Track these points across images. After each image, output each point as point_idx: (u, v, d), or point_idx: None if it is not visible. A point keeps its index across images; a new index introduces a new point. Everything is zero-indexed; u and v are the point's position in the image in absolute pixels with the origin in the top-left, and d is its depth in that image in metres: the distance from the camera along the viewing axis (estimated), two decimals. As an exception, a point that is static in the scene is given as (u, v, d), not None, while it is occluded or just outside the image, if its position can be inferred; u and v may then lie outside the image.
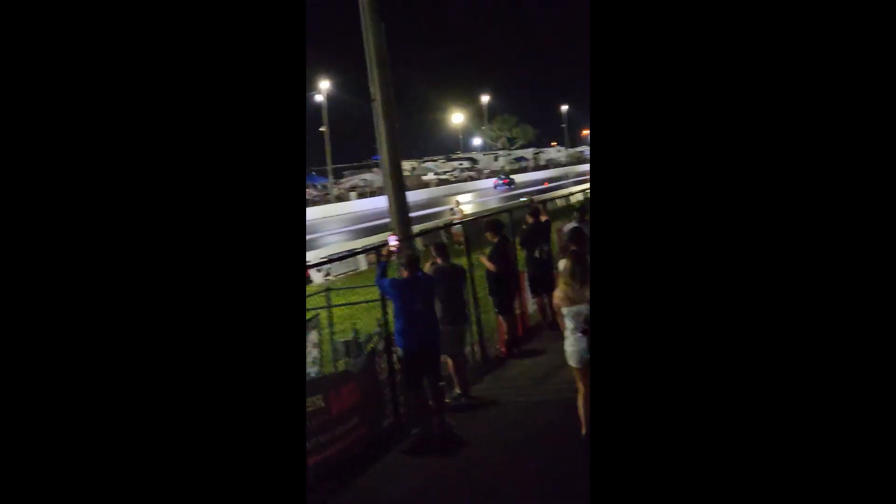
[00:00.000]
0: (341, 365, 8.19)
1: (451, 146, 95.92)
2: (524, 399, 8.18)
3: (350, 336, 8.68)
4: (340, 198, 55.63)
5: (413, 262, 7.35)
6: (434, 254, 8.45)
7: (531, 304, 11.38)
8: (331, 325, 9.68)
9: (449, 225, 15.88)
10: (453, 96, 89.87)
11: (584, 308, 6.21)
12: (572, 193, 19.09)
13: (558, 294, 6.46)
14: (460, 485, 6.28)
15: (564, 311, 6.36)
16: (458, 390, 8.24)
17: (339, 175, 65.89)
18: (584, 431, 6.40)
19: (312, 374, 7.80)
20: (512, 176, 67.44)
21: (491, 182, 67.56)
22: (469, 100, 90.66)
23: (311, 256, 17.17)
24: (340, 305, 10.04)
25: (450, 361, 8.15)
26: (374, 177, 58.15)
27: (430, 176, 72.33)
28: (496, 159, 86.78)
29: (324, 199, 54.46)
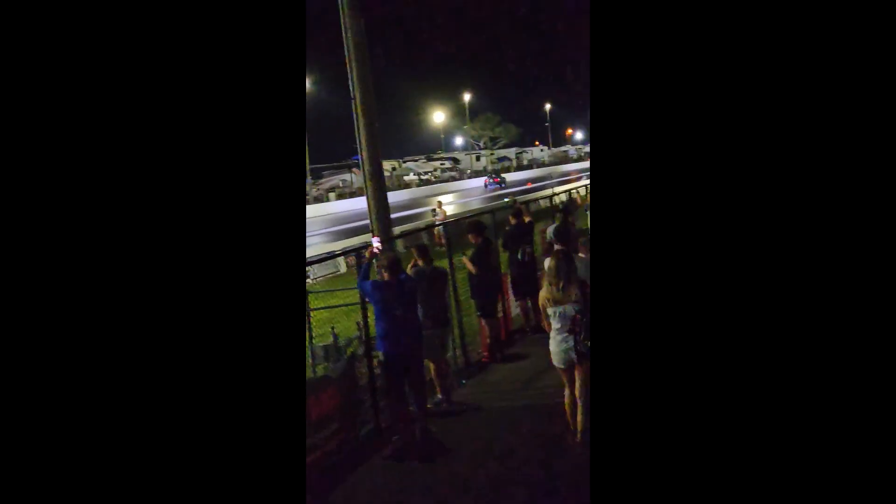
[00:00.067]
0: (321, 370, 8.04)
1: (432, 146, 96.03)
2: (507, 404, 8.07)
3: (330, 340, 8.53)
4: (319, 199, 55.33)
5: (395, 264, 7.18)
6: (415, 256, 8.30)
7: (514, 307, 11.25)
8: (310, 328, 9.53)
9: (431, 226, 15.77)
10: (435, 95, 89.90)
11: (569, 308, 6.21)
12: (556, 194, 19.02)
13: (543, 294, 6.43)
14: (442, 491, 6.18)
15: (550, 311, 6.35)
16: (439, 395, 8.10)
17: (317, 175, 65.48)
18: (577, 437, 6.35)
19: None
20: (503, 175, 67.39)
21: (474, 182, 67.72)
22: (451, 98, 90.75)
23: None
24: (320, 309, 9.89)
25: (431, 366, 8.00)
26: (354, 177, 57.94)
27: (412, 176, 72.29)
28: (478, 159, 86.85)
29: (303, 201, 54.05)
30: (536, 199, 19.05)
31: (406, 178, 71.16)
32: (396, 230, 11.92)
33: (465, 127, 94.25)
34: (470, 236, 10.08)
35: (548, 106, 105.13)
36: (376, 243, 7.57)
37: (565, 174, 69.77)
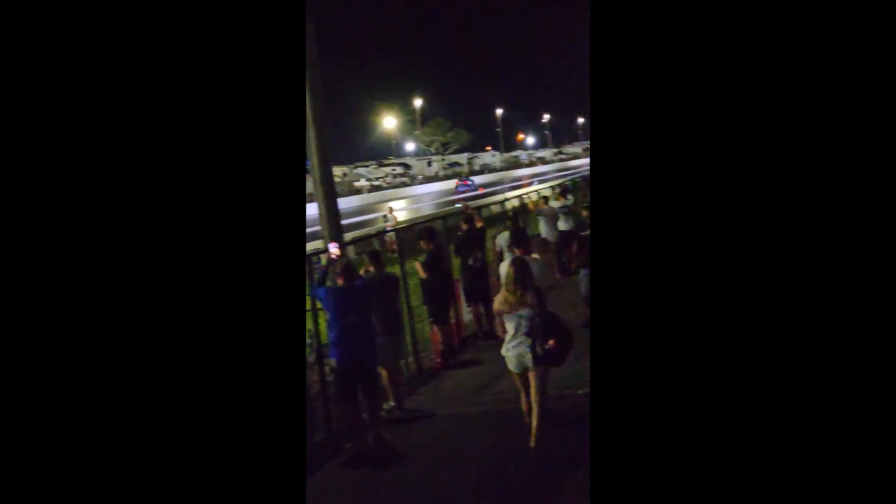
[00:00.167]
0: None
1: (383, 151, 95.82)
2: (461, 410, 8.05)
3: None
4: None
5: (349, 270, 7.11)
6: (367, 262, 8.24)
7: (466, 313, 11.25)
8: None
9: (382, 232, 15.69)
10: (385, 100, 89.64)
11: (525, 313, 6.24)
12: (507, 199, 19.07)
13: (499, 299, 6.46)
14: (396, 499, 6.17)
15: (506, 316, 6.38)
16: (392, 403, 8.05)
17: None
18: (531, 443, 6.35)
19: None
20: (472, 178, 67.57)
21: (425, 188, 67.84)
22: (401, 103, 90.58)
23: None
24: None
25: (384, 373, 7.95)
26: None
27: (362, 182, 72.05)
28: (429, 164, 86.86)
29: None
30: (488, 205, 19.10)
31: (357, 183, 70.91)
32: (347, 236, 11.82)
33: (416, 132, 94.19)
34: (421, 242, 10.05)
35: (499, 111, 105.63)
36: (334, 249, 7.50)
37: (517, 179, 70.08)
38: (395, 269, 9.61)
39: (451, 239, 11.35)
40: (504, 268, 6.71)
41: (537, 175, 75.33)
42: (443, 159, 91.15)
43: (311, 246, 9.28)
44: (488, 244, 11.71)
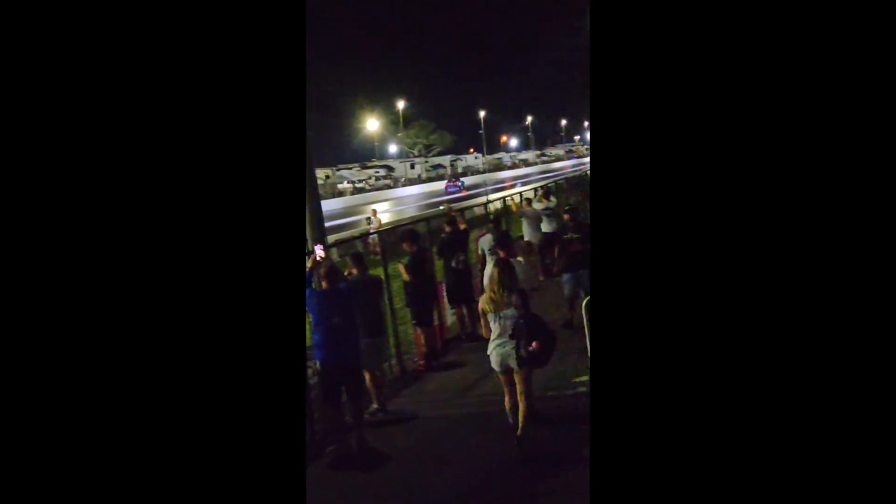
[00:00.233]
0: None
1: (366, 153, 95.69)
2: (444, 412, 8.03)
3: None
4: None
5: (332, 272, 7.09)
6: (350, 264, 8.22)
7: (450, 315, 11.24)
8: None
9: (365, 235, 15.66)
10: (368, 102, 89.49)
11: (509, 313, 6.31)
12: (490, 201, 19.10)
13: (484, 299, 6.55)
14: (379, 502, 6.14)
15: (490, 316, 6.44)
16: (375, 405, 8.03)
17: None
18: (516, 440, 6.36)
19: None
20: (463, 179, 68.06)
21: (409, 190, 67.87)
22: (384, 105, 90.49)
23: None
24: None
25: (367, 375, 7.92)
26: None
27: (346, 184, 71.93)
28: (412, 167, 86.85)
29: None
30: (471, 207, 19.09)
31: (340, 186, 70.81)
32: (330, 239, 11.79)
33: (399, 134, 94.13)
34: (404, 244, 10.04)
35: (482, 113, 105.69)
36: (319, 251, 7.48)
37: (500, 181, 70.17)
38: (379, 272, 9.58)
39: (435, 241, 11.34)
40: (489, 269, 6.75)
41: (520, 177, 75.46)
42: (426, 161, 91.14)
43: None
44: (472, 246, 11.70)
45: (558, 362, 6.46)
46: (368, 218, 24.96)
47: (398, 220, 28.32)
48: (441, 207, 16.42)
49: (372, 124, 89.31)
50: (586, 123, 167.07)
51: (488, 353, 6.52)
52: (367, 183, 73.94)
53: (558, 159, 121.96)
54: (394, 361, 9.47)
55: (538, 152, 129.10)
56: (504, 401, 6.59)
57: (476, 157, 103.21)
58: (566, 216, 10.90)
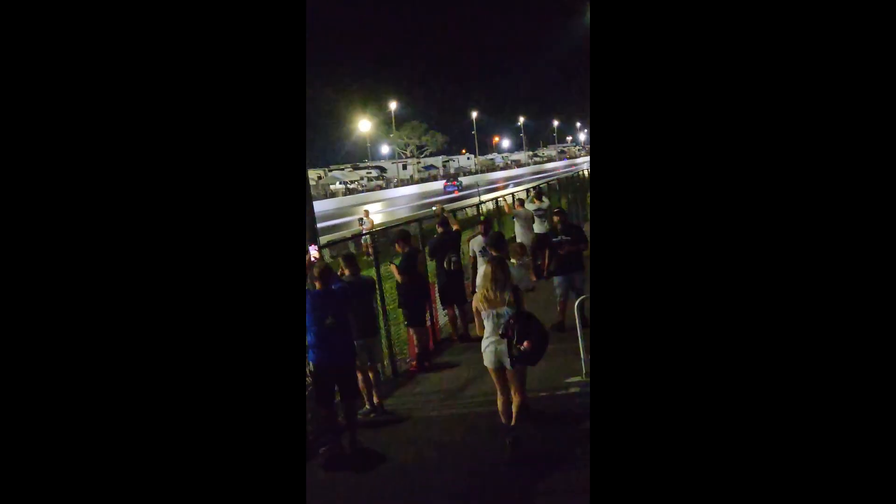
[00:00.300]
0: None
1: (358, 154, 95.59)
2: (436, 413, 8.04)
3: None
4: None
5: (326, 273, 7.11)
6: (342, 265, 8.22)
7: (442, 316, 11.24)
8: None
9: (357, 236, 15.65)
10: (360, 102, 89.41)
11: (503, 311, 6.35)
12: (483, 202, 19.11)
13: (478, 297, 6.58)
14: (371, 502, 6.13)
15: (484, 314, 6.47)
16: (367, 406, 8.03)
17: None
18: (508, 440, 6.38)
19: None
20: (461, 178, 68.81)
21: (401, 191, 67.89)
22: (377, 106, 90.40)
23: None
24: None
25: (360, 376, 7.92)
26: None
27: (338, 185, 71.82)
28: (404, 167, 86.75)
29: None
30: (463, 208, 19.10)
31: (332, 187, 70.70)
32: (323, 240, 11.79)
33: (391, 135, 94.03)
34: (397, 245, 10.05)
35: (474, 114, 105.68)
36: (313, 252, 7.48)
37: (492, 182, 70.18)
38: (371, 273, 9.58)
39: (427, 242, 11.35)
40: (483, 267, 6.79)
41: (512, 178, 75.49)
42: (418, 162, 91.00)
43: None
44: (464, 247, 11.70)
45: (550, 363, 6.46)
46: (361, 219, 24.97)
47: (390, 221, 28.31)
48: (433, 209, 16.43)
49: (364, 125, 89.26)
50: (578, 124, 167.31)
51: (482, 350, 6.55)
52: (359, 184, 73.81)
53: (550, 160, 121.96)
54: (386, 362, 9.46)
55: (530, 153, 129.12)
56: (496, 401, 6.61)
57: (468, 158, 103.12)
58: (555, 218, 10.91)
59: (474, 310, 6.63)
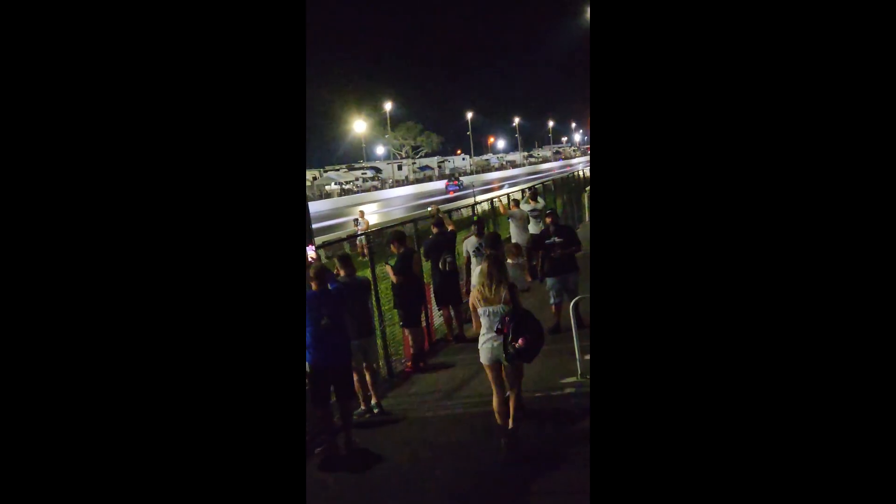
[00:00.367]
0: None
1: (353, 155, 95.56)
2: (432, 414, 8.04)
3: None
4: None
5: (322, 273, 7.10)
6: (337, 266, 8.21)
7: (437, 317, 11.24)
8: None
9: (352, 236, 15.64)
10: (356, 103, 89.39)
11: (499, 308, 6.40)
12: (478, 203, 19.10)
13: (475, 294, 6.63)
14: (366, 502, 6.14)
15: (480, 310, 6.53)
16: (363, 406, 8.03)
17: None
18: (503, 439, 6.40)
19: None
20: (462, 178, 69.45)
21: (396, 192, 67.98)
22: (372, 107, 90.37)
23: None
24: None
25: (355, 376, 7.92)
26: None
27: (333, 186, 71.82)
28: (400, 168, 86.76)
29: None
30: (458, 209, 19.08)
31: (327, 187, 70.71)
32: (318, 240, 11.75)
33: (386, 136, 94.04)
34: (392, 246, 10.04)
35: (469, 114, 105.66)
36: (311, 252, 7.48)
37: (487, 183, 70.23)
38: (366, 273, 9.58)
39: (422, 242, 11.34)
40: (480, 265, 6.87)
41: (508, 178, 75.57)
42: (413, 163, 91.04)
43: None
44: (459, 248, 11.70)
45: (546, 364, 6.47)
46: (356, 219, 24.95)
47: (386, 222, 28.30)
48: (429, 209, 16.42)
49: (359, 126, 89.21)
50: (573, 125, 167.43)
51: (479, 347, 6.58)
52: (354, 184, 73.83)
53: (545, 160, 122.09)
54: (381, 363, 9.46)
55: (525, 154, 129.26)
56: (492, 401, 6.61)
57: (463, 159, 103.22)
58: (547, 219, 10.90)
59: (471, 307, 6.67)
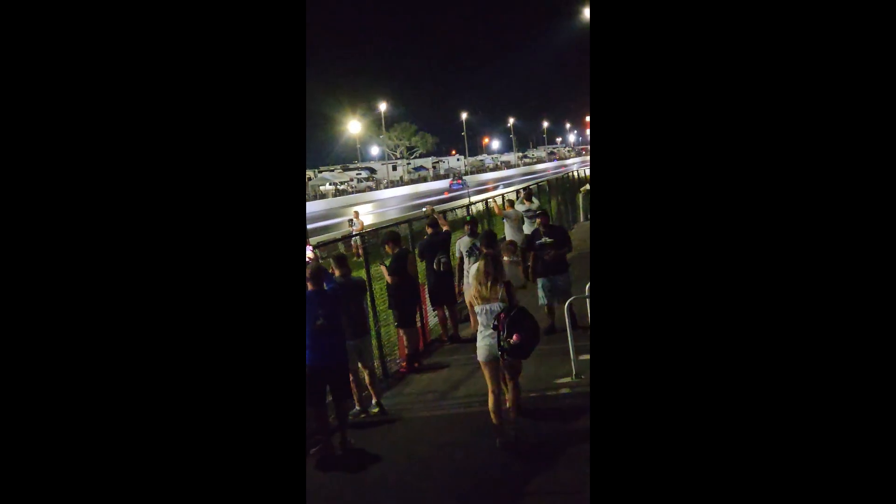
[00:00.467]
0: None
1: (348, 156, 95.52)
2: (427, 414, 8.04)
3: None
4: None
5: (318, 274, 7.11)
6: (333, 266, 8.21)
7: (432, 317, 11.24)
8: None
9: (347, 237, 15.63)
10: (350, 104, 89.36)
11: (496, 305, 6.46)
12: (472, 203, 19.11)
13: (471, 292, 6.68)
14: (361, 502, 6.14)
15: (477, 308, 6.59)
16: (358, 406, 8.04)
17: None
18: (497, 437, 6.43)
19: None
20: (465, 177, 69.77)
21: (390, 192, 68.03)
22: (367, 107, 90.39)
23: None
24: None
25: (351, 376, 7.92)
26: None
27: (328, 186, 71.78)
28: (394, 168, 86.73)
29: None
30: (453, 209, 19.08)
31: (322, 188, 70.67)
32: (313, 241, 11.78)
33: (381, 136, 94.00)
34: (387, 246, 10.05)
35: (464, 115, 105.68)
36: (309, 252, 7.48)
37: (481, 183, 70.28)
38: (361, 273, 9.58)
39: (417, 243, 11.35)
40: (477, 263, 6.90)
41: (502, 179, 75.59)
42: (408, 163, 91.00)
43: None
44: (454, 248, 11.71)
45: (541, 364, 6.49)
46: (351, 220, 24.93)
47: (380, 223, 28.29)
48: (423, 209, 16.43)
49: (354, 126, 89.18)
50: (568, 125, 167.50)
51: (477, 344, 6.62)
52: (348, 185, 73.78)
53: (540, 161, 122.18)
54: (376, 363, 9.46)
55: (520, 154, 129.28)
56: (487, 401, 6.63)
57: (458, 160, 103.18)
58: (538, 220, 10.88)
59: (468, 304, 6.72)
